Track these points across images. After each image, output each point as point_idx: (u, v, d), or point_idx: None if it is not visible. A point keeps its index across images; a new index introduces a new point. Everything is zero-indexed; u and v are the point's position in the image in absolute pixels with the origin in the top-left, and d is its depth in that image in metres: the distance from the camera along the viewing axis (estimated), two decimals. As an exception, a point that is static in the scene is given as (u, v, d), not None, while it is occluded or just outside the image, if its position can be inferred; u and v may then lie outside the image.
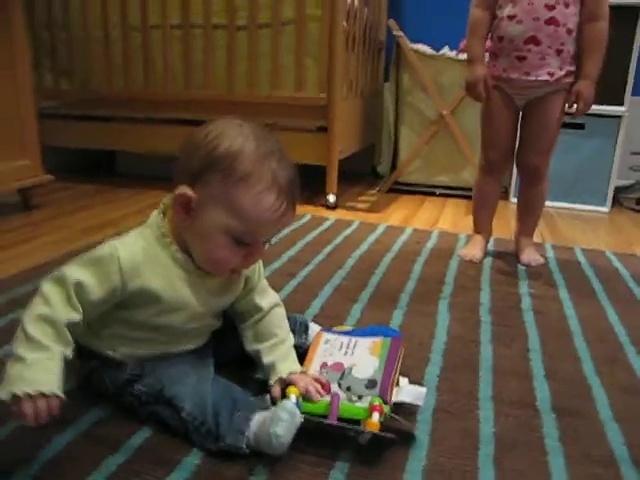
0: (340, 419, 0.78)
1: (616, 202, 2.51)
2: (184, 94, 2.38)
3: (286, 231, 1.85)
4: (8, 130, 1.93)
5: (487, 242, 1.74)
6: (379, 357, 0.88)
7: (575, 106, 1.49)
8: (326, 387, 0.83)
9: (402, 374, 0.90)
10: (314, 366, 0.89)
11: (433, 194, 2.61)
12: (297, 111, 2.24)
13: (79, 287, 0.72)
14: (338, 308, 1.26)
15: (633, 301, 1.40)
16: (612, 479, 0.75)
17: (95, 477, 0.71)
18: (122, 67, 2.46)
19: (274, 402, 0.79)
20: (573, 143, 2.38)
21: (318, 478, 0.72)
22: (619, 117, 2.35)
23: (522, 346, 1.12)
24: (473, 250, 1.68)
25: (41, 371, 0.68)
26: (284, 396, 0.80)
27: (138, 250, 0.77)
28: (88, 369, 0.86)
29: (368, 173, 2.97)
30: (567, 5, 1.42)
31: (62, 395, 0.68)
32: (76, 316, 0.72)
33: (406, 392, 0.84)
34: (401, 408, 0.84)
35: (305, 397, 0.81)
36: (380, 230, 1.94)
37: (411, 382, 0.89)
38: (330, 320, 1.14)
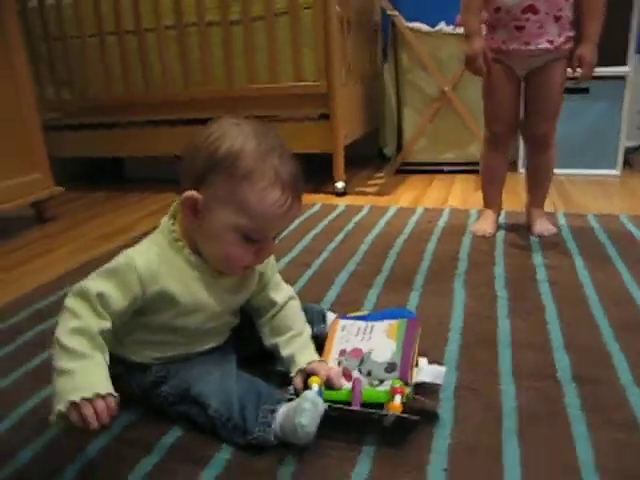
0: (363, 404, 0.80)
1: (627, 164, 2.48)
2: (184, 94, 2.39)
3: (297, 221, 1.87)
4: (16, 145, 1.96)
5: (498, 216, 1.74)
6: (396, 339, 0.89)
7: (579, 70, 1.47)
8: (347, 374, 0.85)
9: (421, 354, 0.91)
10: (333, 354, 0.90)
11: (441, 172, 2.61)
12: (298, 101, 2.25)
13: (102, 298, 0.73)
14: (354, 294, 1.28)
15: (649, 263, 1.39)
16: (635, 443, 0.76)
17: (132, 478, 0.73)
18: (120, 72, 2.47)
19: (297, 393, 0.81)
20: (578, 108, 2.35)
21: (346, 463, 0.74)
22: (623, 78, 2.32)
23: (539, 318, 1.13)
24: (484, 225, 1.68)
25: (91, 376, 0.69)
26: (306, 386, 0.82)
27: (153, 257, 0.79)
28: (114, 375, 0.88)
29: (375, 156, 2.96)
30: None
31: (117, 394, 0.70)
32: (106, 324, 0.74)
33: (426, 372, 0.85)
34: (422, 388, 0.86)
35: (327, 385, 0.82)
36: (391, 213, 1.95)
37: (430, 362, 0.90)
38: (347, 307, 1.16)
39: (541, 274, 1.35)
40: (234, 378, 0.83)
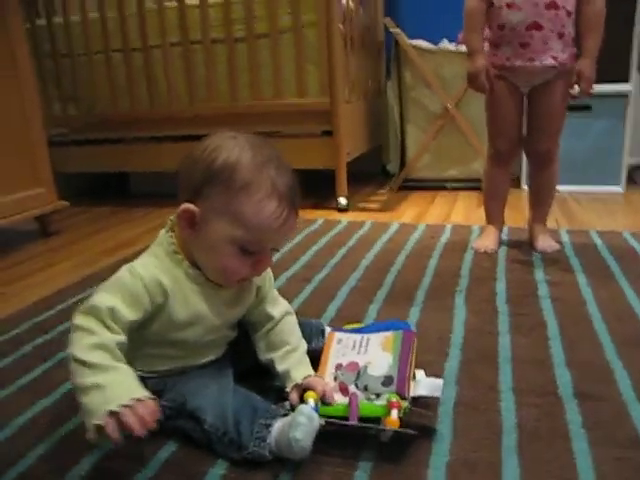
0: (360, 419, 0.79)
1: (630, 181, 2.48)
2: (188, 110, 2.41)
3: (299, 237, 1.87)
4: (21, 160, 1.98)
5: (500, 232, 1.73)
6: (392, 352, 0.88)
7: (576, 88, 1.48)
8: (343, 389, 0.84)
9: (419, 367, 0.90)
10: (329, 367, 0.89)
11: (444, 188, 2.61)
12: (301, 117, 2.26)
13: (112, 312, 0.73)
14: (355, 309, 1.27)
15: (652, 280, 1.38)
16: (637, 461, 0.75)
17: (126, 492, 0.73)
18: (126, 88, 2.50)
19: (293, 408, 0.80)
20: (581, 125, 2.35)
21: (342, 478, 0.73)
22: (626, 95, 2.33)
23: (541, 334, 1.12)
24: (487, 241, 1.67)
25: (123, 384, 0.68)
26: (302, 401, 0.81)
27: (155, 269, 0.79)
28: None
29: (378, 173, 2.97)
30: None
31: (155, 397, 0.69)
32: (121, 337, 0.73)
33: (423, 385, 0.84)
34: (420, 402, 0.85)
35: (323, 401, 0.82)
36: (393, 229, 1.94)
37: (428, 375, 0.89)
38: (347, 322, 1.15)
39: (543, 290, 1.34)
40: (230, 392, 0.82)
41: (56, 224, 2.16)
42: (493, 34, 1.51)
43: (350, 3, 2.32)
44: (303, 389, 0.84)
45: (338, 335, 0.97)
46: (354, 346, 0.93)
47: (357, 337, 0.95)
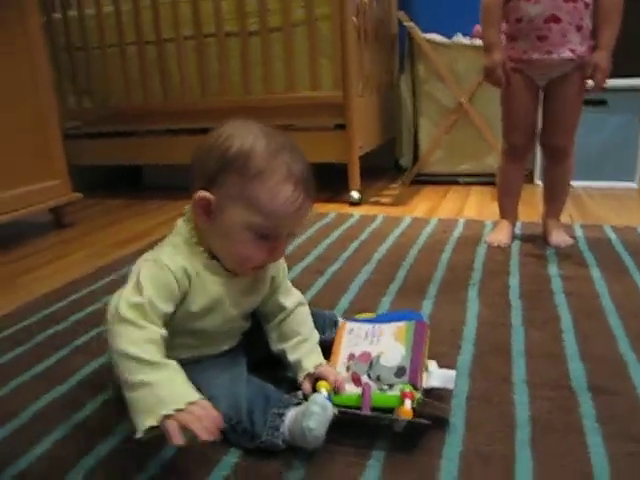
0: (373, 409, 0.79)
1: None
2: (201, 103, 2.41)
3: (312, 230, 1.87)
4: (36, 152, 1.99)
5: (514, 227, 1.72)
6: (405, 343, 0.88)
7: (590, 82, 1.47)
8: (356, 379, 0.84)
9: (432, 359, 0.90)
10: (341, 357, 0.89)
11: (457, 183, 2.59)
12: (314, 111, 2.26)
13: (152, 305, 0.73)
14: (367, 302, 1.27)
15: (668, 275, 1.37)
16: (652, 455, 0.74)
17: (141, 477, 0.73)
18: (140, 81, 2.51)
19: (306, 397, 0.80)
20: (597, 120, 2.33)
21: (354, 468, 0.73)
22: (642, 90, 2.30)
23: (554, 328, 1.11)
24: (500, 235, 1.67)
25: (174, 385, 0.68)
26: (315, 391, 0.81)
27: (178, 257, 0.79)
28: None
29: (391, 167, 2.96)
30: None
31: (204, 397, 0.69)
32: (164, 330, 0.73)
33: (436, 376, 0.84)
34: (433, 393, 0.85)
35: (336, 390, 0.82)
36: (405, 223, 1.94)
37: (441, 367, 0.89)
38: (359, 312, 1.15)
39: (557, 285, 1.33)
40: (244, 382, 0.83)
41: (70, 216, 2.18)
42: (510, 27, 1.50)
43: (364, -4, 2.31)
44: (315, 378, 0.84)
45: (350, 325, 0.97)
46: (366, 336, 0.92)
47: (369, 327, 0.95)
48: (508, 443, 0.78)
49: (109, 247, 1.86)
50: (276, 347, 0.91)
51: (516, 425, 0.81)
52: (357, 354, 0.89)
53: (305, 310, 0.94)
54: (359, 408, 0.79)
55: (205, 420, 0.65)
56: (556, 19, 1.42)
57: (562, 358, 0.99)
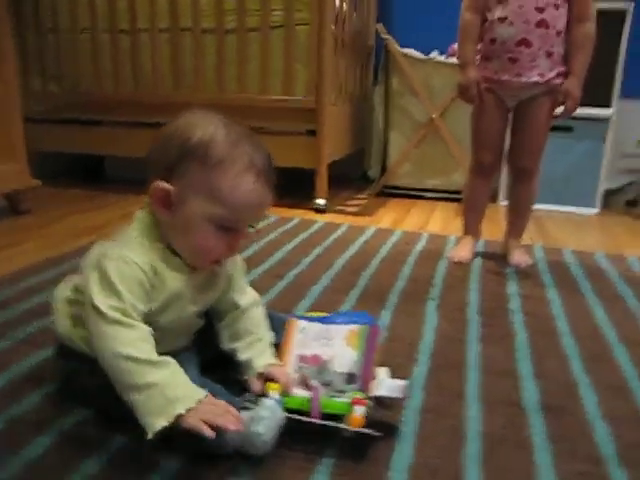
0: (323, 415, 0.77)
1: (606, 205, 2.52)
2: (173, 97, 2.37)
3: (274, 234, 1.85)
4: (-6, 134, 1.92)
5: (476, 243, 1.74)
6: (357, 348, 0.86)
7: (562, 107, 1.50)
8: (305, 382, 0.82)
9: (388, 369, 0.89)
10: (291, 358, 0.87)
11: (423, 198, 2.61)
12: (286, 115, 2.24)
13: (131, 304, 0.72)
14: (326, 308, 1.23)
15: (621, 300, 1.40)
16: (599, 477, 0.75)
17: (75, 477, 0.69)
18: (111, 70, 2.45)
19: (255, 401, 0.78)
20: (562, 146, 2.38)
21: (302, 474, 0.71)
22: (607, 120, 2.37)
23: (510, 345, 1.12)
24: (462, 252, 1.68)
25: (182, 384, 0.69)
26: (264, 394, 0.79)
27: (141, 251, 0.76)
28: (68, 370, 0.84)
29: (358, 178, 2.96)
30: (557, 7, 1.43)
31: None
32: (149, 328, 0.72)
33: (386, 386, 0.83)
34: (383, 402, 0.83)
35: (284, 393, 0.80)
36: (369, 232, 1.94)
37: (392, 376, 0.88)
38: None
39: (514, 303, 1.34)
40: (195, 383, 0.80)
41: (27, 203, 2.09)
42: (485, 47, 1.52)
43: (344, 6, 2.31)
44: (265, 378, 0.82)
45: (301, 323, 0.94)
46: (317, 337, 0.90)
47: (321, 327, 0.92)
48: (458, 457, 0.77)
49: (64, 237, 1.79)
50: (228, 346, 0.89)
51: (467, 440, 0.81)
52: (307, 356, 0.87)
53: (260, 310, 0.92)
54: (309, 413, 0.77)
55: (223, 412, 0.68)
56: (527, 43, 1.44)
57: (516, 376, 1.00)
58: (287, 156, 2.16)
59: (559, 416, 0.88)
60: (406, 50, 2.49)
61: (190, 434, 0.68)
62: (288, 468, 0.73)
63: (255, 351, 0.86)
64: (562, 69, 1.48)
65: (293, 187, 2.40)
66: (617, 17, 2.29)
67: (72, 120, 2.53)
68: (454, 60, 2.23)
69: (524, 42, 1.44)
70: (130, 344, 0.69)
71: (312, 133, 2.21)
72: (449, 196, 2.56)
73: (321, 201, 2.26)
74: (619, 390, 0.97)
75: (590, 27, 1.45)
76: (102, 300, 0.71)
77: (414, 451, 0.77)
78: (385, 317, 1.23)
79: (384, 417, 0.81)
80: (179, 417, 0.66)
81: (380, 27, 2.57)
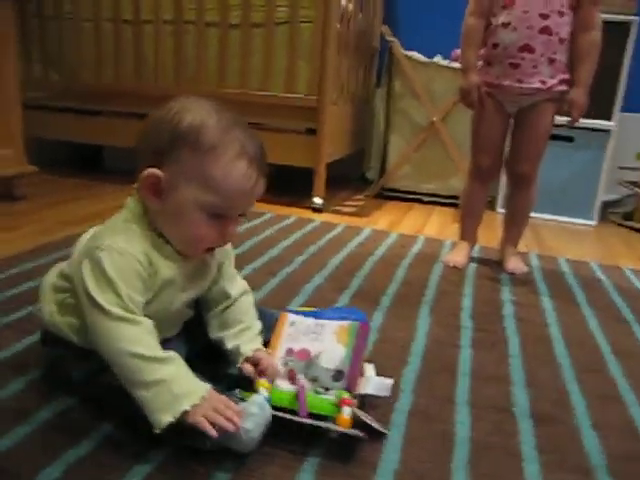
0: (310, 414, 0.76)
1: (603, 216, 2.52)
2: (175, 89, 2.35)
3: (269, 230, 1.84)
4: (-9, 118, 1.90)
5: (472, 249, 1.73)
6: (346, 345, 0.85)
7: (563, 119, 1.50)
8: (292, 378, 0.81)
9: (375, 367, 0.89)
10: (280, 351, 0.87)
11: (420, 201, 2.61)
12: (287, 112, 2.23)
13: (130, 298, 0.71)
14: (318, 306, 1.23)
15: (615, 311, 1.39)
16: (587, 486, 0.74)
17: (54, 468, 0.68)
18: (113, 60, 2.43)
19: (243, 397, 0.77)
20: (562, 156, 2.38)
21: (287, 472, 0.70)
22: (607, 132, 2.37)
23: (502, 351, 1.11)
24: (457, 256, 1.67)
25: (187, 380, 0.70)
26: (254, 390, 0.78)
27: (134, 240, 0.75)
28: (53, 357, 0.83)
29: (357, 178, 2.95)
30: (561, 14, 1.42)
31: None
32: (151, 320, 0.72)
33: (372, 384, 0.82)
34: (368, 400, 0.83)
35: (264, 375, 0.80)
36: (365, 234, 1.93)
37: (378, 374, 0.87)
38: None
39: (508, 309, 1.34)
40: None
41: (22, 189, 2.07)
42: (487, 52, 1.52)
43: (350, 6, 2.31)
44: (252, 363, 0.82)
45: (291, 317, 0.93)
46: (307, 332, 0.89)
47: (311, 322, 0.91)
48: (445, 462, 0.76)
49: (58, 225, 1.78)
50: (216, 335, 0.87)
51: (455, 445, 0.80)
52: (296, 350, 0.86)
53: (249, 299, 0.91)
54: (295, 411, 0.76)
55: (224, 408, 0.68)
56: (530, 49, 1.44)
57: (507, 382, 0.99)
58: (286, 154, 2.16)
59: (549, 424, 0.87)
60: (409, 53, 2.49)
61: (179, 429, 0.68)
62: (274, 465, 0.71)
63: (244, 338, 0.86)
64: (565, 77, 1.48)
65: (291, 184, 2.39)
66: (621, 29, 2.29)
67: (71, 109, 2.52)
68: (457, 65, 2.22)
69: (527, 48, 1.44)
70: (135, 341, 0.68)
71: (312, 132, 2.20)
72: (446, 201, 2.55)
73: (318, 200, 2.24)
74: (610, 400, 0.96)
75: (596, 35, 1.45)
76: (101, 295, 0.70)
77: (401, 454, 0.76)
78: (377, 318, 1.22)
79: (367, 418, 0.79)
80: (184, 413, 0.67)
81: (385, 29, 2.56)
